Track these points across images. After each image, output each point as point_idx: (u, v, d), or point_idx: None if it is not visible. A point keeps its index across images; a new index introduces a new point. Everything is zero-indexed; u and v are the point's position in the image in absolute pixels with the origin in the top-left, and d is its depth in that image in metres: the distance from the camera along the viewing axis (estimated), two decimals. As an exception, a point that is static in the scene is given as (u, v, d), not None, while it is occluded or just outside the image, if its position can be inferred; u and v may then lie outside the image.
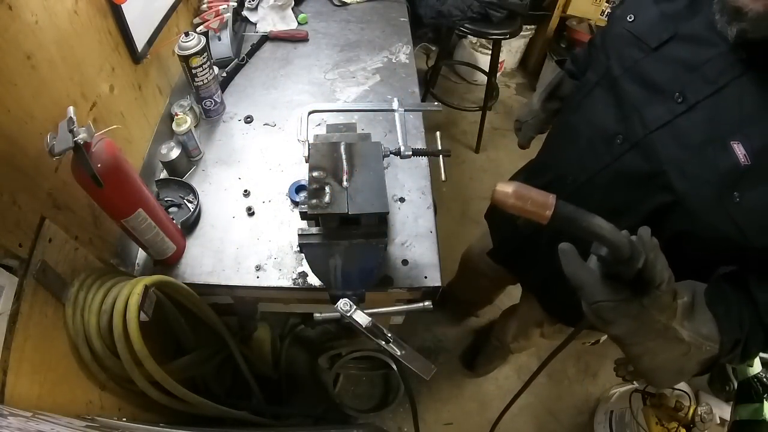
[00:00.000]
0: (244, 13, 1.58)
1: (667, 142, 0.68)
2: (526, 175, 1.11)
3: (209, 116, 1.29)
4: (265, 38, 1.54)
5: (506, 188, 0.45)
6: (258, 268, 1.01)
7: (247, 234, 1.06)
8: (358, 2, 1.73)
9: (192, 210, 1.05)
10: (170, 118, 1.17)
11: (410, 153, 0.87)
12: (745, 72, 0.62)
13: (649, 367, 0.58)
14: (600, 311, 0.51)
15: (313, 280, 0.99)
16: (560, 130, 0.98)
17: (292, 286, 0.99)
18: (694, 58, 0.67)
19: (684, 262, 0.59)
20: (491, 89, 2.41)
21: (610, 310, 0.51)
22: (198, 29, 1.34)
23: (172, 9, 1.19)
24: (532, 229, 0.99)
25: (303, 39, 1.55)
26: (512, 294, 1.61)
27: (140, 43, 1.02)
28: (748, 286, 0.62)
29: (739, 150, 0.60)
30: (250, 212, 1.10)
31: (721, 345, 0.57)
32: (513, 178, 1.24)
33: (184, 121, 1.11)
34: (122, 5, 0.93)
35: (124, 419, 0.87)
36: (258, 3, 1.59)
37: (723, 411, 1.58)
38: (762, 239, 0.61)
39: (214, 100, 1.25)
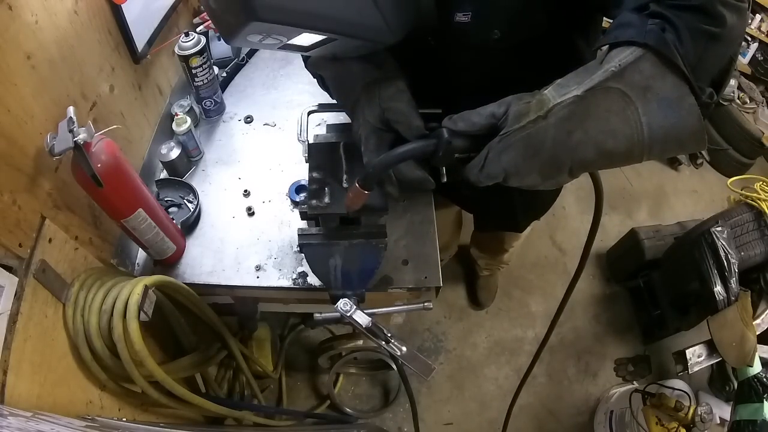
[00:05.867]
0: (244, 13, 1.58)
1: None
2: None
3: (209, 116, 1.29)
4: (265, 38, 1.54)
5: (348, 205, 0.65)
6: (258, 268, 1.01)
7: (247, 234, 1.06)
8: (358, 2, 1.73)
9: (192, 210, 1.06)
10: (170, 118, 1.17)
11: (410, 153, 0.87)
12: None
13: (613, 149, 0.49)
14: (509, 175, 0.53)
15: (313, 280, 0.99)
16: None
17: (292, 286, 0.99)
18: None
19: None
20: (491, 89, 2.41)
21: (506, 168, 0.52)
22: (198, 29, 1.34)
23: (172, 9, 1.19)
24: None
25: (303, 39, 1.55)
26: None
27: (140, 43, 1.02)
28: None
29: None
30: (250, 212, 1.10)
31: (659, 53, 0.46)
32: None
33: (184, 121, 1.11)
34: (122, 5, 0.93)
35: (124, 419, 0.87)
36: (258, 3, 1.59)
37: (723, 411, 1.59)
38: None
39: (214, 100, 1.25)
